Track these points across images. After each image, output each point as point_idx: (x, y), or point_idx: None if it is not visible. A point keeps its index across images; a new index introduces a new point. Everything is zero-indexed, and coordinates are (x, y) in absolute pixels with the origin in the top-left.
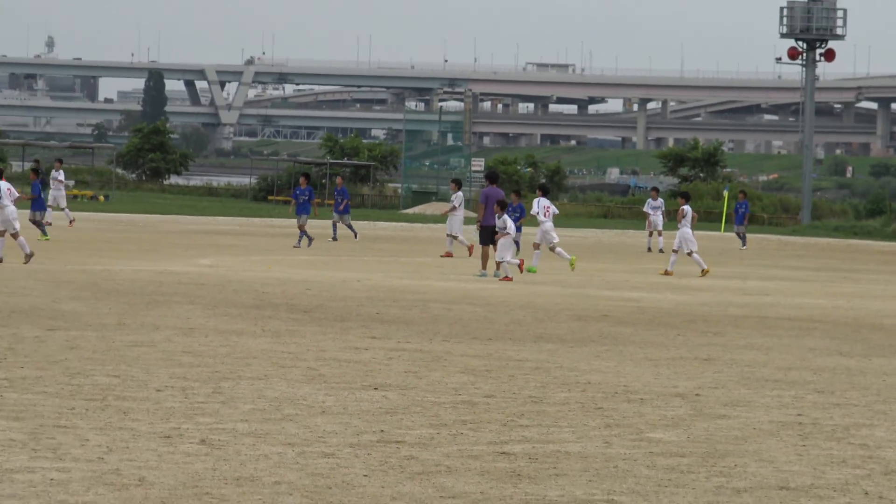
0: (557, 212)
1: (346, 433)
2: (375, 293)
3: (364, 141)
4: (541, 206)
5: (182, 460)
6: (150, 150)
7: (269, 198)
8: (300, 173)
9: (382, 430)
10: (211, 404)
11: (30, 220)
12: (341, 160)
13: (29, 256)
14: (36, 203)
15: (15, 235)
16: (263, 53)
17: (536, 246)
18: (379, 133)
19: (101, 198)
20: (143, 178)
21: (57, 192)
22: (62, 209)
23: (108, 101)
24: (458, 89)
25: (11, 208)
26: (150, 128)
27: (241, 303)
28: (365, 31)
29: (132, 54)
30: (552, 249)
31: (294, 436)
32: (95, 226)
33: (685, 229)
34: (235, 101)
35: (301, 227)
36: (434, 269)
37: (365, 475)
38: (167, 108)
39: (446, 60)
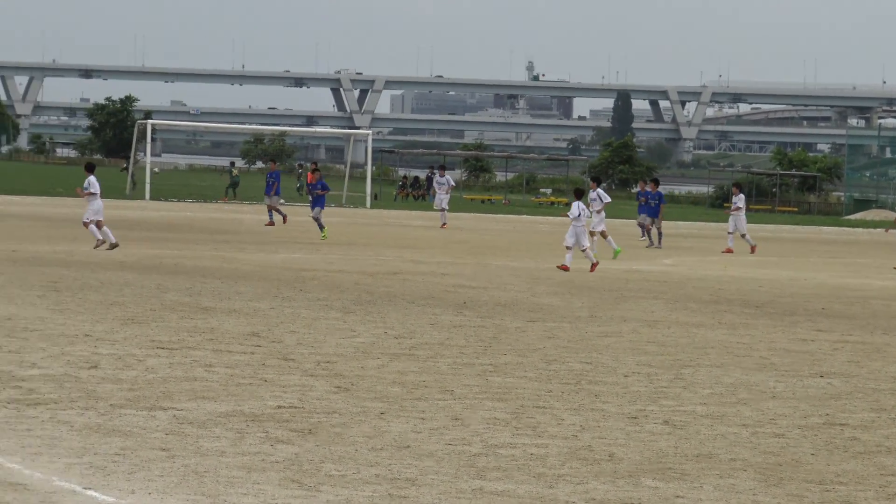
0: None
1: (794, 416)
2: (820, 290)
3: (810, 154)
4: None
5: (647, 438)
6: (619, 163)
7: (725, 205)
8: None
9: (827, 414)
10: (673, 389)
11: (312, 216)
12: (789, 171)
13: (113, 245)
14: (317, 201)
15: (99, 224)
16: (720, 76)
17: (604, 234)
18: (824, 147)
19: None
20: (612, 187)
21: (442, 195)
22: (442, 209)
23: (581, 118)
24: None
25: (99, 201)
26: (619, 142)
27: (699, 298)
28: (811, 55)
29: (602, 77)
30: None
31: (748, 418)
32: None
33: None
34: (694, 118)
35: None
36: (874, 269)
37: (812, 454)
38: (634, 125)
39: (884, 81)
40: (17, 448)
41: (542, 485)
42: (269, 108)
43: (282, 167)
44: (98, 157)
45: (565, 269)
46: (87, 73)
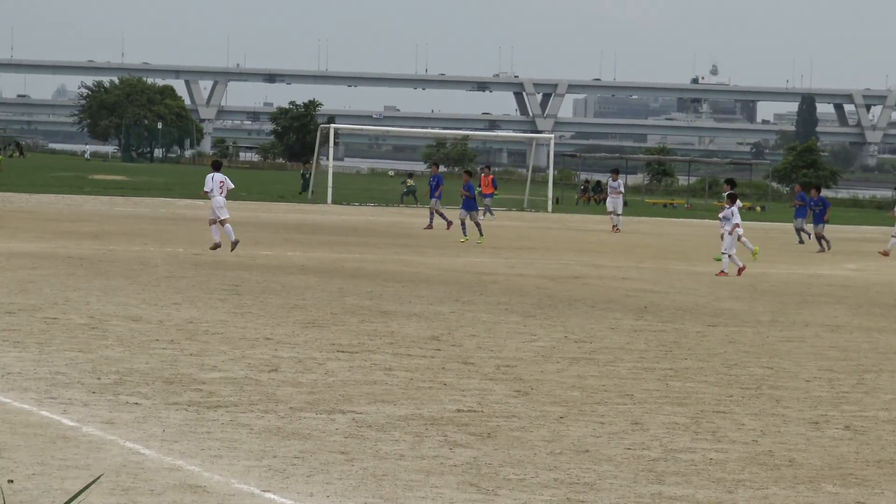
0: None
1: None
2: None
3: None
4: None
5: (828, 444)
6: (803, 167)
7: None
8: None
9: None
10: (855, 394)
11: (460, 218)
12: None
13: (234, 244)
14: (468, 203)
15: (223, 222)
16: None
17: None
18: None
19: (758, 209)
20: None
21: (615, 199)
22: (618, 215)
23: (764, 122)
24: None
25: (219, 198)
26: (803, 146)
27: (883, 303)
28: None
29: (787, 80)
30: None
31: None
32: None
33: None
34: (879, 121)
35: None
36: None
37: None
38: (818, 129)
39: None
40: (196, 450)
41: (721, 490)
42: (453, 113)
43: (472, 169)
44: (280, 160)
45: (736, 272)
46: (270, 77)
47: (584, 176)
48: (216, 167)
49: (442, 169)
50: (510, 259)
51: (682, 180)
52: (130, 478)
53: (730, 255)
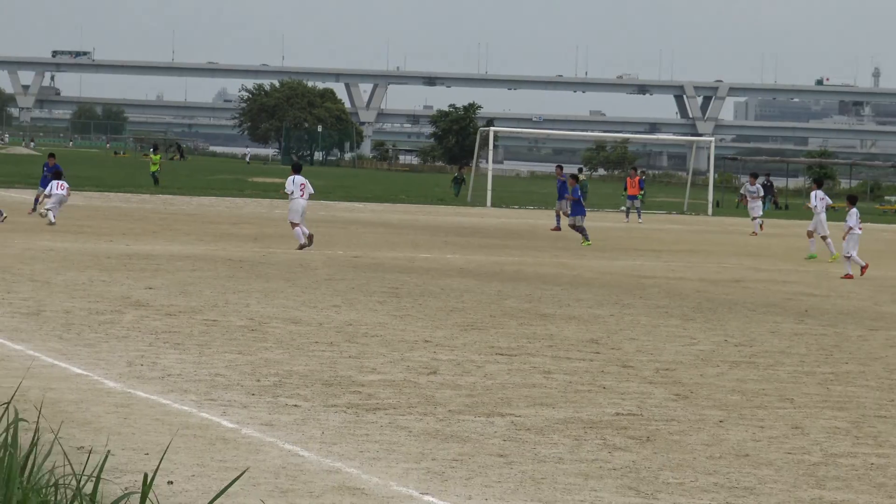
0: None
1: None
2: None
3: None
4: (817, 197)
5: None
6: None
7: None
8: None
9: None
10: None
11: (569, 224)
12: None
13: (302, 245)
14: (575, 207)
15: (293, 224)
16: None
17: (810, 234)
18: None
19: None
20: None
21: (754, 203)
22: (754, 218)
23: None
24: None
25: (300, 201)
26: None
27: None
28: None
29: None
30: (823, 239)
31: None
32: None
33: None
34: None
35: None
36: None
37: None
38: None
39: None
40: (355, 453)
41: (882, 495)
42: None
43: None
44: (440, 163)
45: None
46: (430, 80)
47: (743, 179)
48: (297, 169)
49: (601, 172)
50: (670, 262)
51: (844, 183)
52: (289, 480)
53: (850, 257)
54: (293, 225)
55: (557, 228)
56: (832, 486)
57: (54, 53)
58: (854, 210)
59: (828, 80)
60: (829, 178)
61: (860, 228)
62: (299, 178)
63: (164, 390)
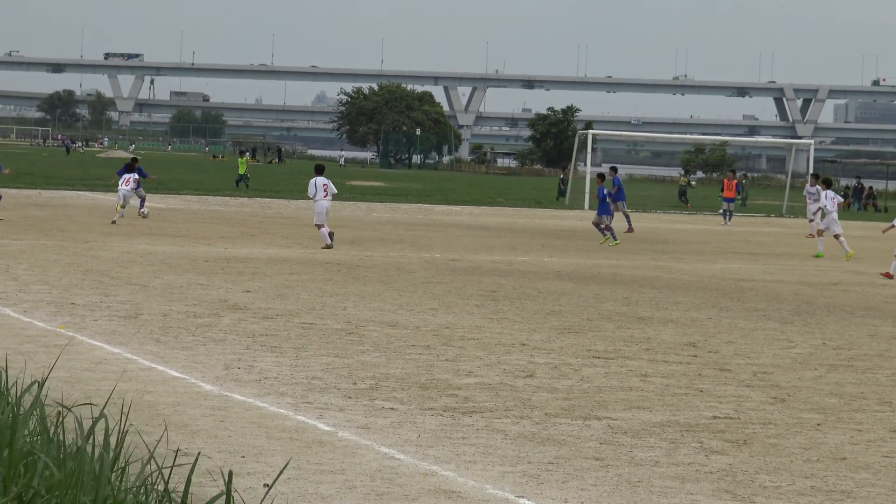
0: (841, 200)
1: None
2: None
3: None
4: (828, 197)
5: None
6: None
7: None
8: None
9: None
10: None
11: (593, 222)
12: None
13: (328, 246)
14: (602, 207)
15: (319, 226)
16: None
17: (821, 233)
18: None
19: None
20: None
21: (812, 205)
22: (811, 220)
23: None
24: None
25: (323, 202)
26: None
27: None
28: None
29: None
30: (836, 238)
31: None
32: None
33: None
34: None
35: None
36: None
37: None
38: None
39: None
40: (451, 456)
41: None
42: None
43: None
44: (538, 166)
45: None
46: (529, 83)
47: (843, 182)
48: (319, 171)
49: (699, 175)
50: (768, 265)
51: None
52: (385, 483)
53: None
54: (318, 227)
55: (630, 230)
56: None
57: (106, 56)
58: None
59: None
60: None
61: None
62: (321, 180)
63: (261, 393)
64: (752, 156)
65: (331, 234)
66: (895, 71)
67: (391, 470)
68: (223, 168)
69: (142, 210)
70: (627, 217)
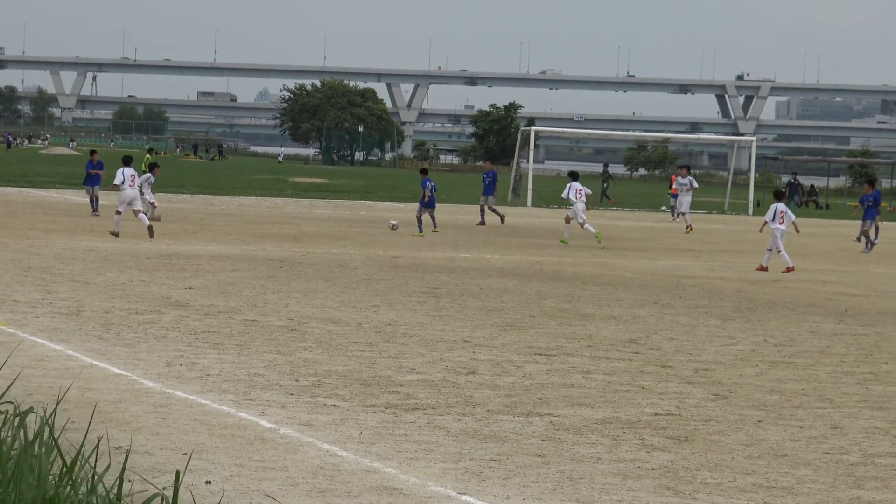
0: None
1: None
2: None
3: None
4: (573, 189)
5: None
6: None
7: None
8: None
9: None
10: None
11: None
12: None
13: (150, 228)
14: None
15: (136, 213)
16: None
17: (568, 220)
18: None
19: None
20: None
21: (684, 197)
22: (682, 213)
23: None
24: None
25: (130, 191)
26: None
27: None
28: None
29: None
30: (581, 226)
31: None
32: None
33: None
34: None
35: None
36: None
37: None
38: None
39: None
40: (393, 453)
41: None
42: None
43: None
44: (480, 163)
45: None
46: (471, 80)
47: (785, 179)
48: (126, 162)
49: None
50: (709, 262)
51: (886, 183)
52: (327, 480)
53: (777, 251)
54: (118, 213)
55: (482, 223)
56: (870, 486)
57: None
58: (775, 205)
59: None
60: (872, 177)
61: (781, 224)
62: (128, 170)
63: (203, 390)
64: (695, 153)
65: (150, 228)
66: (836, 68)
67: (333, 467)
68: (165, 164)
69: (148, 213)
70: (494, 211)
